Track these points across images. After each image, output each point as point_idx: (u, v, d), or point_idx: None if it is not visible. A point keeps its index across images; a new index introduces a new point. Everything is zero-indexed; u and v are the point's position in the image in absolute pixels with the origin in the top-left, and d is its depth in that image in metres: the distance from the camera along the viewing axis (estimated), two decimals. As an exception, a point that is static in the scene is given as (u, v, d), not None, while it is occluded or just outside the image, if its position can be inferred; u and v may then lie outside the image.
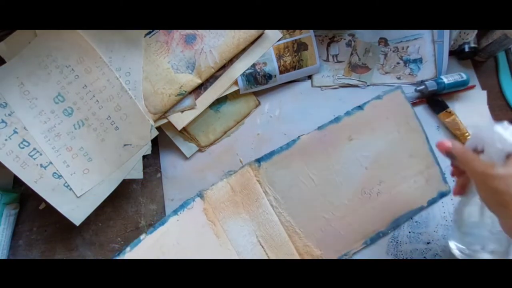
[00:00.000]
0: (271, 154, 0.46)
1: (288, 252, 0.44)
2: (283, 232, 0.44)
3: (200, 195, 0.44)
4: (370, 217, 0.45)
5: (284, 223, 0.44)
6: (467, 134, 0.47)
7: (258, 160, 0.46)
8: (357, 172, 0.46)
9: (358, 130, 0.47)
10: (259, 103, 0.51)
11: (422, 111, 0.50)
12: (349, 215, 0.45)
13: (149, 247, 0.42)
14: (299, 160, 0.46)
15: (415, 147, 0.47)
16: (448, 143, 0.32)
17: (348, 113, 0.48)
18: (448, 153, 0.32)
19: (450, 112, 0.48)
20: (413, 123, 0.48)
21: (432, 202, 0.46)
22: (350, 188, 0.46)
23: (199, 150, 0.49)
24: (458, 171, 0.34)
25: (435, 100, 0.49)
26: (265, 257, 0.44)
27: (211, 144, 0.49)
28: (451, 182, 0.47)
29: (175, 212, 0.44)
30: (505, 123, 0.29)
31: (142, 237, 0.42)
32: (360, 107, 0.48)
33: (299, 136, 0.47)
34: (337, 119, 0.48)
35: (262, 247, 0.44)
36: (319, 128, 0.48)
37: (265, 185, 0.45)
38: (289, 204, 0.45)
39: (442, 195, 0.46)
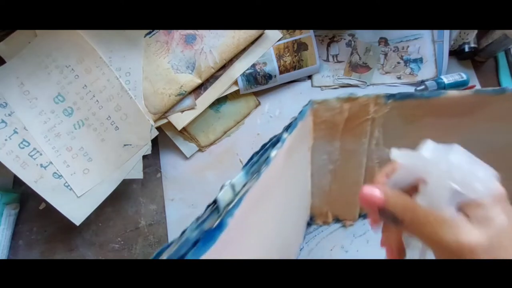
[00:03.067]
0: (408, 95, 0.37)
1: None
2: (361, 174, 0.41)
3: (312, 105, 0.36)
4: None
5: (368, 164, 0.41)
6: None
7: (388, 96, 0.37)
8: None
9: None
10: (259, 103, 0.51)
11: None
12: None
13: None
14: (430, 116, 0.38)
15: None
16: (374, 191, 0.20)
17: None
18: (382, 210, 0.20)
19: None
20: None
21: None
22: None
23: (199, 150, 0.49)
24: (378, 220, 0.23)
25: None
26: (328, 186, 0.42)
27: (211, 144, 0.49)
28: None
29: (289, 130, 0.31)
30: (430, 143, 0.21)
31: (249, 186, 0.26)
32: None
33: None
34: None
35: (331, 175, 0.41)
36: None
37: (378, 125, 0.38)
38: (384, 152, 0.40)
39: None
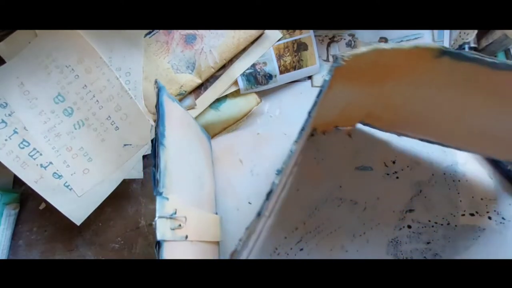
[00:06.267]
0: (463, 56, 0.29)
1: None
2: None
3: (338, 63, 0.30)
4: None
5: None
6: None
7: (444, 52, 0.30)
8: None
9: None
10: (260, 101, 0.50)
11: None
12: None
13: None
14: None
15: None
16: None
17: None
18: None
19: None
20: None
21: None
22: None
23: None
24: None
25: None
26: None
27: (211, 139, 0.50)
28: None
29: None
30: None
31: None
32: None
33: None
34: None
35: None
36: None
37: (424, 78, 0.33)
38: None
39: None
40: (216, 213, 0.46)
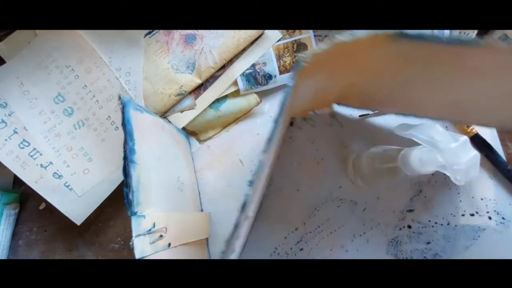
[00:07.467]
0: (420, 36, 0.29)
1: None
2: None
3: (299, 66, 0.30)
4: None
5: None
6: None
7: (401, 34, 0.29)
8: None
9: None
10: (260, 101, 0.50)
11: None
12: None
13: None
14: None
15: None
16: None
17: None
18: None
19: None
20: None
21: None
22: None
23: (199, 141, 0.49)
24: None
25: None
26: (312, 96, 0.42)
27: (209, 138, 0.50)
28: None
29: None
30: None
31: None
32: None
33: None
34: None
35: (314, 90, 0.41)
36: None
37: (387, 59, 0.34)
38: None
39: None
40: (202, 210, 0.46)
